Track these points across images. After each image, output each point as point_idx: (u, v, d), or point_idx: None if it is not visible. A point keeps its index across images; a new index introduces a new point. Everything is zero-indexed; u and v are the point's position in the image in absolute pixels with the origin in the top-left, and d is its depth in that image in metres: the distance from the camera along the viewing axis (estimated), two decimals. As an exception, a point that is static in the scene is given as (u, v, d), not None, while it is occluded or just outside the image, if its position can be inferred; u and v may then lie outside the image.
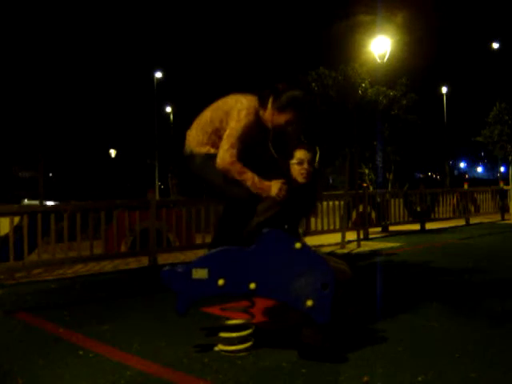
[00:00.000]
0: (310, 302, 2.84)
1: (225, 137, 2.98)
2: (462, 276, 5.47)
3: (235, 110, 2.99)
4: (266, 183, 3.02)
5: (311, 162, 3.15)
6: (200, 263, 3.05)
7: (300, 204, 3.23)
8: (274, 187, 3.00)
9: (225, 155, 2.96)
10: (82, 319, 3.99)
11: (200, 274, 3.02)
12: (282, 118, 3.03)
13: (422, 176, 45.01)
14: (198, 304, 3.32)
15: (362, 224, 9.42)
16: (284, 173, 3.13)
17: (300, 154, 3.14)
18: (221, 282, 2.98)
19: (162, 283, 3.05)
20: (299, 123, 3.10)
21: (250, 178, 2.98)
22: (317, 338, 2.90)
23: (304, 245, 2.95)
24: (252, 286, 2.95)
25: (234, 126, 2.95)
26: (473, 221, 12.50)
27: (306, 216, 3.45)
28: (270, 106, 3.03)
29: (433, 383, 2.59)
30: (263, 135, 3.14)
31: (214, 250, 3.08)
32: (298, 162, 3.12)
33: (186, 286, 3.03)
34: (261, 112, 3.06)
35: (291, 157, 3.14)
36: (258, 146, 3.17)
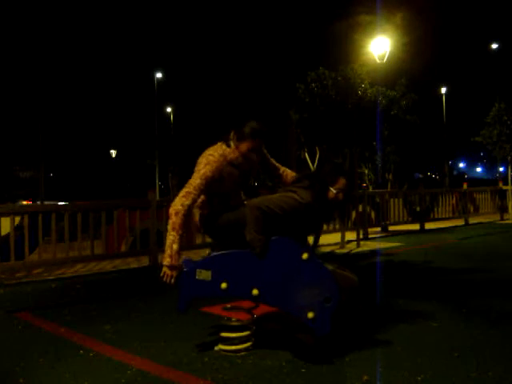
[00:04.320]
0: (311, 314, 2.84)
1: (185, 185, 3.15)
2: (461, 276, 5.48)
3: (198, 163, 3.21)
4: (173, 255, 3.01)
5: (346, 191, 3.16)
6: (204, 264, 3.05)
7: (318, 220, 3.26)
8: (166, 268, 3.02)
9: (176, 201, 3.09)
10: (83, 319, 4.00)
11: (204, 275, 3.02)
12: (243, 147, 3.23)
13: (421, 176, 44.98)
14: (198, 304, 3.34)
15: (361, 224, 9.43)
16: (318, 192, 3.11)
17: (342, 183, 3.12)
18: (224, 285, 2.98)
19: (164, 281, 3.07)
20: (260, 149, 3.30)
21: (171, 238, 3.03)
22: (310, 338, 2.91)
23: (311, 256, 2.93)
24: (255, 291, 2.95)
25: (193, 177, 3.14)
26: (472, 221, 12.51)
27: (317, 229, 3.46)
28: (233, 142, 3.27)
29: (432, 383, 2.61)
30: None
31: (219, 253, 3.08)
32: (337, 192, 3.10)
33: (189, 285, 3.03)
34: (228, 151, 3.23)
35: (333, 181, 3.11)
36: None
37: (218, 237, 3.34)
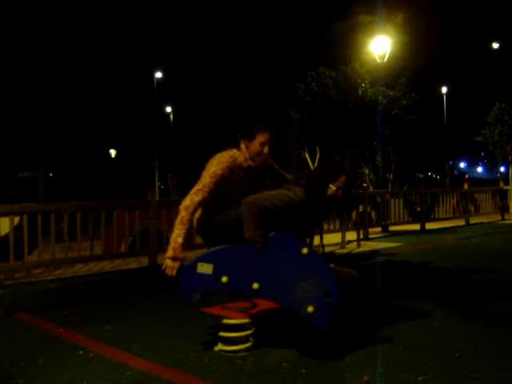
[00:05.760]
0: (311, 308, 2.84)
1: (196, 184, 3.20)
2: (462, 276, 5.47)
3: (207, 165, 3.26)
4: (176, 248, 3.05)
5: (345, 188, 3.18)
6: (206, 258, 3.06)
7: (315, 217, 3.28)
8: (168, 259, 3.07)
9: (186, 198, 3.15)
10: (82, 319, 4.00)
11: (205, 268, 3.04)
12: (255, 145, 3.28)
13: (422, 176, 44.99)
14: (198, 304, 3.33)
15: (362, 224, 9.42)
16: (315, 189, 3.12)
17: (342, 181, 3.15)
18: (224, 279, 2.99)
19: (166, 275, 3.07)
20: (270, 143, 3.31)
21: (177, 232, 3.08)
22: (315, 336, 2.91)
23: (311, 250, 2.94)
24: (255, 286, 2.96)
25: (204, 176, 3.20)
26: (473, 221, 12.49)
27: (317, 225, 3.46)
28: (243, 144, 3.31)
29: (433, 383, 2.60)
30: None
31: (220, 247, 3.09)
32: (336, 189, 3.13)
33: (190, 279, 3.05)
34: (238, 154, 3.29)
35: (333, 178, 3.14)
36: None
37: (216, 238, 3.30)
